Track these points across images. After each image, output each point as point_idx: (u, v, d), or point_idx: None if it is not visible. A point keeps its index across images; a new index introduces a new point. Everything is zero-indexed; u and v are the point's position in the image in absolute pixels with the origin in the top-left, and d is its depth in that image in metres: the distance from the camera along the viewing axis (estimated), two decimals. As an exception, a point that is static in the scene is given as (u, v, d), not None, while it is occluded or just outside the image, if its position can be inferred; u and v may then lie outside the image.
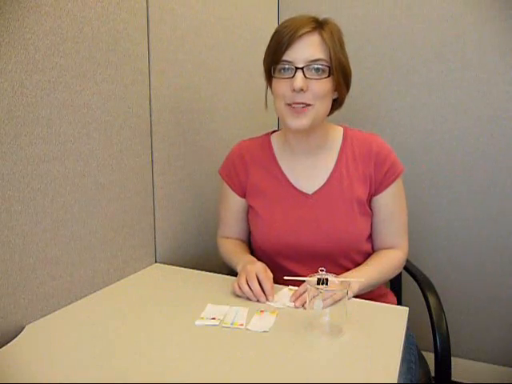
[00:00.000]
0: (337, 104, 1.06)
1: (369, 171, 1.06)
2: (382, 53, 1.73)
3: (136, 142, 1.10)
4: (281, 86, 0.97)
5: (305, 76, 0.94)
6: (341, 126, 1.13)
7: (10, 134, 0.79)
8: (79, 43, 0.91)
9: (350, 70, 1.02)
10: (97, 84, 0.97)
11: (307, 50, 0.94)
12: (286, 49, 0.94)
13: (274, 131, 1.18)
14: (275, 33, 0.99)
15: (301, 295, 0.91)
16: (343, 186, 1.06)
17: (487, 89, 1.60)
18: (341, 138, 1.10)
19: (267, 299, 0.92)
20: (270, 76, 1.01)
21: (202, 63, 1.34)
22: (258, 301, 0.92)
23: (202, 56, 1.34)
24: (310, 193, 1.07)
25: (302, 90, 0.94)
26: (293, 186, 1.09)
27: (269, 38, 1.02)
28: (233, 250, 1.13)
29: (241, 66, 1.57)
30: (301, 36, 0.94)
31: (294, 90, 0.94)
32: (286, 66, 0.96)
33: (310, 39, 0.95)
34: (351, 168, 1.07)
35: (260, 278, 0.94)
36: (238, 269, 1.03)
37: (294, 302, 0.91)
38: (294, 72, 0.95)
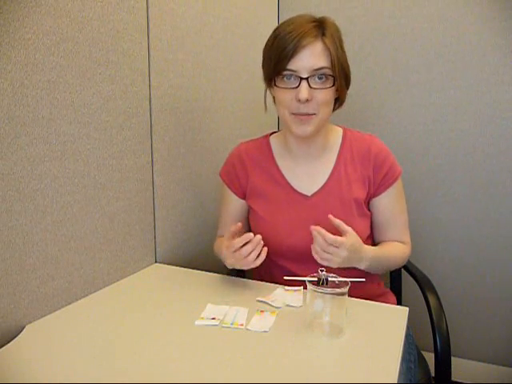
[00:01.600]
0: (338, 103, 1.06)
1: (367, 173, 1.06)
2: (381, 53, 1.73)
3: (136, 142, 1.10)
4: (285, 95, 0.97)
5: (309, 86, 0.94)
6: (340, 126, 1.13)
7: (10, 134, 0.79)
8: (79, 43, 0.91)
9: (349, 69, 1.02)
10: (97, 84, 0.97)
11: (311, 59, 0.93)
12: (290, 59, 0.93)
13: (273, 132, 1.18)
14: (276, 37, 0.97)
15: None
16: (341, 188, 1.06)
17: (487, 89, 1.60)
18: (340, 140, 1.10)
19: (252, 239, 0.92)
20: (270, 82, 1.00)
21: (202, 63, 1.34)
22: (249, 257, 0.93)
23: (201, 56, 1.34)
24: (309, 194, 1.08)
25: (307, 100, 0.94)
26: (292, 187, 1.09)
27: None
28: (222, 243, 1.12)
29: (241, 65, 1.57)
30: (305, 45, 0.93)
31: (299, 101, 0.94)
32: (290, 75, 0.95)
33: (314, 47, 0.93)
34: (350, 169, 1.07)
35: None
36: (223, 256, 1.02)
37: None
38: (298, 82, 0.94)
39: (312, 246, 0.92)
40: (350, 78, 1.02)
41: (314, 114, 0.97)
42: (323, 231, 0.90)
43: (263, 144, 1.15)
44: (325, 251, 0.90)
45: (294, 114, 0.97)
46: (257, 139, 1.18)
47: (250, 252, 0.93)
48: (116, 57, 1.01)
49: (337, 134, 1.11)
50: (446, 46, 1.63)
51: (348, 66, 1.01)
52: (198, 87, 1.33)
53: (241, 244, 0.93)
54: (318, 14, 1.00)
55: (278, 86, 0.98)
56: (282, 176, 1.10)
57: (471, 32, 1.59)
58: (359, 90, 1.77)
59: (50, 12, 0.84)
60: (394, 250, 1.09)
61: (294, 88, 0.95)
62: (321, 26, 0.96)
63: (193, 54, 1.29)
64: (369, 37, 1.74)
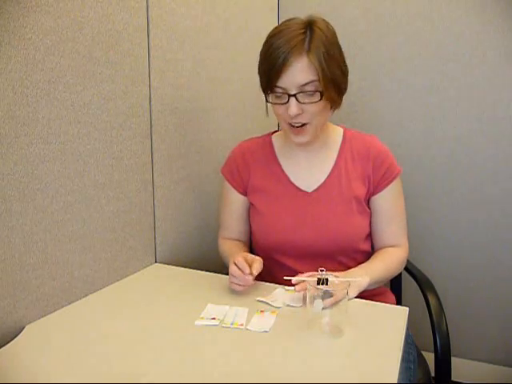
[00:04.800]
0: (333, 108, 1.04)
1: (367, 172, 1.08)
2: (382, 52, 1.73)
3: (136, 142, 1.10)
4: (278, 109, 1.00)
5: (299, 101, 0.95)
6: (340, 126, 1.14)
7: (10, 134, 0.79)
8: (79, 43, 0.91)
9: (345, 72, 1.00)
10: (97, 84, 0.97)
11: (297, 75, 0.94)
12: (279, 77, 0.95)
13: (275, 131, 1.20)
14: (267, 52, 0.97)
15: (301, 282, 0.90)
16: (342, 185, 1.07)
17: (487, 89, 1.60)
18: (340, 139, 1.12)
19: (250, 273, 0.93)
20: (265, 95, 1.02)
21: (202, 63, 1.34)
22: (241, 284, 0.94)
23: (201, 56, 1.34)
24: (309, 191, 1.09)
25: (298, 114, 0.96)
26: (293, 184, 1.10)
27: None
28: (229, 250, 1.14)
29: (241, 65, 1.57)
30: (291, 63, 0.93)
31: (289, 114, 0.96)
32: (280, 92, 0.97)
33: (299, 63, 0.94)
34: (350, 168, 1.09)
35: (239, 267, 0.95)
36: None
37: (295, 287, 0.90)
38: (287, 98, 0.96)
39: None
40: (344, 84, 1.00)
41: (308, 124, 0.99)
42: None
43: (265, 142, 1.17)
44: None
45: (289, 123, 1.00)
46: (259, 137, 1.20)
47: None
48: (116, 57, 1.01)
49: (337, 134, 1.13)
50: (446, 46, 1.63)
51: (342, 73, 0.99)
52: (198, 87, 1.33)
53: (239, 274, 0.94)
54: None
55: (270, 102, 1.01)
56: (283, 173, 1.12)
57: (471, 32, 1.59)
58: (359, 90, 1.77)
59: (49, 12, 0.84)
60: (390, 264, 1.07)
61: (284, 104, 0.97)
62: (308, 37, 0.94)
63: (193, 53, 1.29)
64: (369, 37, 1.74)
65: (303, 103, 0.96)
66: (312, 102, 0.96)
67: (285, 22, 0.99)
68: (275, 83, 0.96)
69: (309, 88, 0.95)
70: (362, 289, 0.95)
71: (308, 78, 0.94)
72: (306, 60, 0.94)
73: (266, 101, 1.05)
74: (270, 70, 0.96)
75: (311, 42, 0.94)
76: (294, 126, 1.00)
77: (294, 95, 0.95)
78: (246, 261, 0.96)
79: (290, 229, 1.07)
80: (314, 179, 1.09)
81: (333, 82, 0.97)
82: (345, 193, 1.07)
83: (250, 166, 1.15)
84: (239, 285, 0.95)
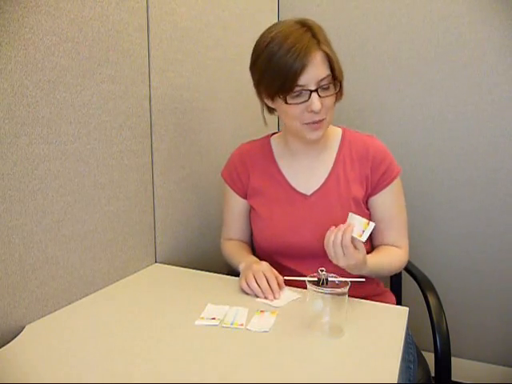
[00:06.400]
0: (337, 99, 1.04)
1: (366, 173, 1.07)
2: (381, 52, 1.73)
3: (136, 142, 1.10)
4: (296, 110, 0.97)
5: (319, 96, 0.95)
6: (339, 127, 1.14)
7: (9, 134, 0.79)
8: (79, 43, 0.91)
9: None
10: (97, 84, 0.97)
11: (316, 71, 0.94)
12: (300, 75, 0.93)
13: (274, 133, 1.19)
14: (274, 55, 0.94)
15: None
16: (340, 187, 1.07)
17: (487, 89, 1.60)
18: (339, 139, 1.12)
19: (274, 297, 0.93)
20: (273, 98, 1.00)
21: (202, 63, 1.34)
22: (265, 298, 0.93)
23: (201, 56, 1.34)
24: (308, 194, 1.09)
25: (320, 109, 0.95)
26: (292, 187, 1.10)
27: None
28: (235, 251, 1.15)
29: (241, 65, 1.56)
30: (310, 60, 0.92)
31: (312, 111, 0.95)
32: (298, 91, 0.95)
33: (316, 59, 0.93)
34: (348, 169, 1.08)
35: (267, 277, 0.95)
36: (241, 268, 1.05)
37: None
38: (308, 95, 0.94)
39: (328, 239, 0.90)
40: (342, 73, 1.03)
41: (324, 119, 0.99)
42: (350, 229, 0.88)
43: (264, 145, 1.17)
44: (342, 248, 0.88)
45: (306, 123, 0.98)
46: (258, 140, 1.19)
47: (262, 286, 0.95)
48: (116, 57, 1.01)
49: (336, 134, 1.12)
50: (446, 46, 1.63)
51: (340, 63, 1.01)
52: (198, 87, 1.33)
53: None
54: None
55: (288, 103, 0.97)
56: (282, 176, 1.12)
57: (471, 31, 1.59)
58: (359, 90, 1.77)
59: (50, 12, 0.84)
60: (391, 257, 1.08)
61: (304, 102, 0.95)
62: (312, 33, 0.95)
63: (193, 54, 1.29)
64: (369, 36, 1.74)
65: (323, 97, 0.95)
66: (330, 95, 0.97)
67: (274, 26, 0.98)
68: (296, 83, 0.94)
69: (324, 82, 0.95)
70: (358, 262, 0.90)
71: (325, 72, 0.95)
72: (321, 54, 0.95)
73: (269, 102, 1.04)
74: (289, 71, 0.93)
75: (317, 36, 0.95)
76: (310, 123, 0.98)
77: (316, 90, 0.94)
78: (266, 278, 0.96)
79: (289, 232, 1.07)
80: (312, 182, 1.09)
81: (340, 74, 0.99)
82: (343, 195, 1.06)
83: (249, 169, 1.15)
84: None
